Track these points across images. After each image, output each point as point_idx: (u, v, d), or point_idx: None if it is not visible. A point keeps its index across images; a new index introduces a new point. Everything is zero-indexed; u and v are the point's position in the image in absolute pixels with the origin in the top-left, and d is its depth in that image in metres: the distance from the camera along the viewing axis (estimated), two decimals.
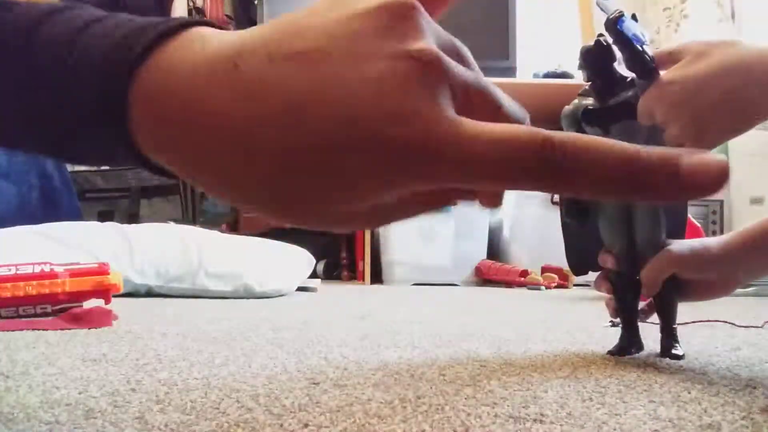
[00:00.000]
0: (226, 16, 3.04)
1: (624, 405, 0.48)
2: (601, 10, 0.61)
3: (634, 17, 0.63)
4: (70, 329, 0.90)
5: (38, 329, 0.90)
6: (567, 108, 0.70)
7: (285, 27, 0.23)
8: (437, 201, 0.27)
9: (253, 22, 2.87)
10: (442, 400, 0.49)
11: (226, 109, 0.22)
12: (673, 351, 0.68)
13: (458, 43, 0.27)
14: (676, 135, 0.60)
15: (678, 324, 0.71)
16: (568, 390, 0.53)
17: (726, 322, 1.03)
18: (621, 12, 0.60)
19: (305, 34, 0.22)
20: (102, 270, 1.07)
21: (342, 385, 0.54)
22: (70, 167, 2.53)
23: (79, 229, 1.61)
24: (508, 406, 0.47)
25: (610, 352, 0.72)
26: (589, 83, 0.67)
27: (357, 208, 0.24)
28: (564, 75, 2.62)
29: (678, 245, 0.68)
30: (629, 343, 0.71)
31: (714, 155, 0.21)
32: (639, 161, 0.21)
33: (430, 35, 0.24)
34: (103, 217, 2.35)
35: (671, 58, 0.62)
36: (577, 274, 0.76)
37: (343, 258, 2.67)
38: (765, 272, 0.71)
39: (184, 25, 0.24)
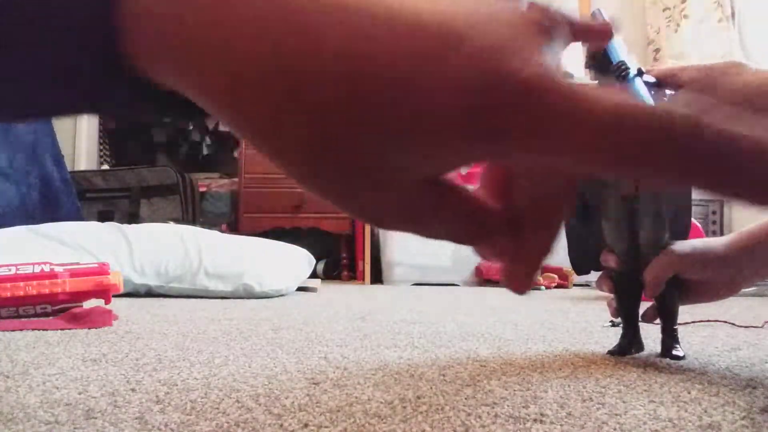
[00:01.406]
0: None
1: (624, 405, 0.48)
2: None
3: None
4: (70, 329, 0.90)
5: (38, 329, 0.90)
6: None
7: None
8: (477, 235, 0.23)
9: None
10: (442, 400, 0.49)
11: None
12: (674, 351, 0.68)
13: None
14: None
15: (678, 324, 0.71)
16: (568, 390, 0.53)
17: (726, 322, 1.03)
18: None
19: None
20: (102, 270, 1.07)
21: (342, 385, 0.54)
22: (70, 167, 2.53)
23: (79, 229, 1.61)
24: (508, 406, 0.47)
25: (610, 352, 0.72)
26: (596, 82, 0.68)
27: (426, 174, 0.20)
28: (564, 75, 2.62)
29: (680, 245, 0.68)
30: (630, 344, 0.71)
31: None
32: None
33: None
34: (103, 217, 2.36)
35: (673, 80, 0.62)
36: (579, 272, 0.76)
37: (343, 258, 2.68)
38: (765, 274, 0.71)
39: None
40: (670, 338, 0.69)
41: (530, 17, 0.19)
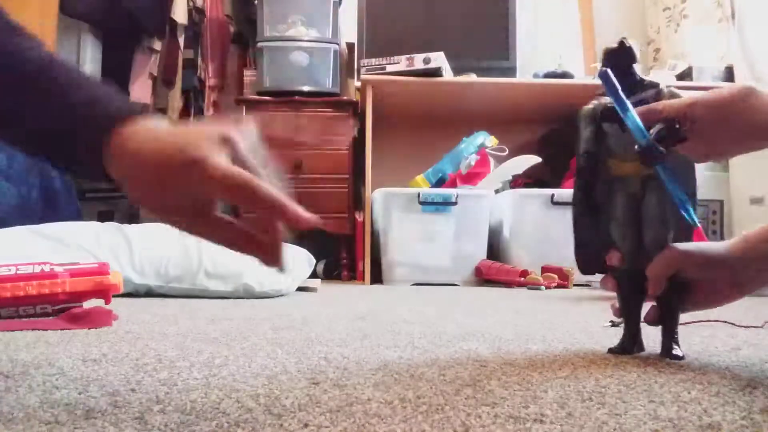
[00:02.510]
0: (226, 16, 3.04)
1: (624, 405, 0.48)
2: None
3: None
4: (70, 329, 0.90)
5: (38, 329, 0.90)
6: (586, 108, 0.72)
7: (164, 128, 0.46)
8: (229, 238, 0.47)
9: (252, 22, 2.87)
10: (442, 400, 0.49)
11: (144, 153, 0.44)
12: (674, 352, 0.68)
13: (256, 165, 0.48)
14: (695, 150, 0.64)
15: (679, 324, 0.71)
16: (568, 390, 0.53)
17: (726, 322, 1.03)
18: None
19: (170, 131, 0.45)
20: (102, 270, 1.07)
21: (342, 385, 0.54)
22: None
23: (79, 229, 1.61)
24: (508, 406, 0.47)
25: (610, 350, 0.72)
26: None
27: (180, 202, 0.44)
28: (564, 75, 2.62)
29: (683, 245, 0.68)
30: (631, 343, 0.71)
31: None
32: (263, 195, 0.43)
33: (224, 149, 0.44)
34: (103, 217, 2.35)
35: (684, 118, 0.63)
36: (584, 272, 0.76)
37: (343, 258, 2.67)
38: None
39: (134, 112, 0.46)
40: (669, 339, 0.69)
41: (216, 134, 0.43)
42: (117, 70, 3.02)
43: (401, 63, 2.46)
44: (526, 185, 2.65)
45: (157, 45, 2.97)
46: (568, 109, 2.79)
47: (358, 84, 2.76)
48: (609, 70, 0.65)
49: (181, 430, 0.40)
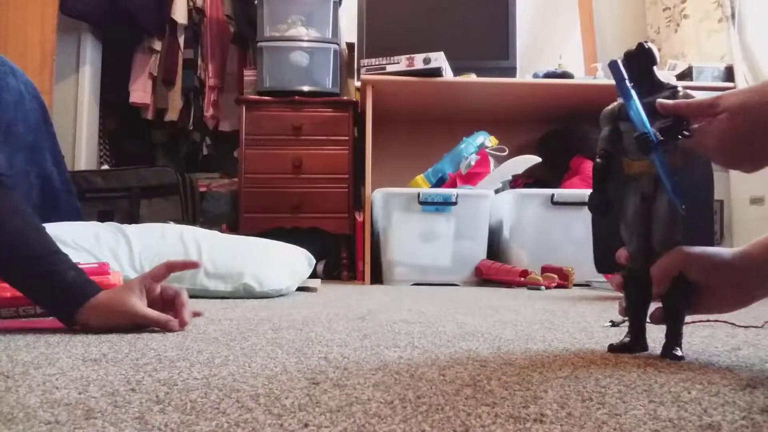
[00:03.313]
0: (226, 16, 3.04)
1: (624, 405, 0.48)
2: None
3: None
4: (70, 329, 0.90)
5: (38, 329, 0.90)
6: (606, 109, 0.74)
7: (119, 294, 0.89)
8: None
9: (252, 22, 2.87)
10: (442, 400, 0.49)
11: (101, 321, 0.86)
12: (674, 352, 0.68)
13: (175, 290, 0.94)
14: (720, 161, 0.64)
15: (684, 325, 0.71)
16: (568, 390, 0.53)
17: (726, 322, 1.03)
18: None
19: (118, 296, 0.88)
20: (102, 270, 1.07)
21: (342, 385, 0.54)
22: (70, 167, 2.53)
23: (79, 229, 1.61)
24: (508, 406, 0.47)
25: (611, 347, 0.73)
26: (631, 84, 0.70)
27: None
28: (564, 75, 2.62)
29: (691, 247, 0.68)
30: (634, 343, 0.72)
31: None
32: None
33: (144, 295, 0.90)
34: (103, 217, 2.35)
35: (710, 111, 0.62)
36: (600, 271, 0.77)
37: (343, 258, 2.68)
38: None
39: (99, 289, 0.87)
40: (672, 340, 0.69)
41: (139, 287, 0.89)
42: (117, 70, 3.03)
43: (401, 63, 2.46)
44: (526, 185, 2.65)
45: (157, 45, 2.97)
46: (568, 109, 2.79)
47: (358, 84, 2.76)
48: (619, 60, 0.67)
49: (181, 430, 0.40)
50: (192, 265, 0.95)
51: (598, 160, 0.72)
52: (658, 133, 0.64)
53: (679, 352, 0.68)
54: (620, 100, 0.72)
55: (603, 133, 0.73)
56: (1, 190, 0.87)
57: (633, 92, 0.67)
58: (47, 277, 0.85)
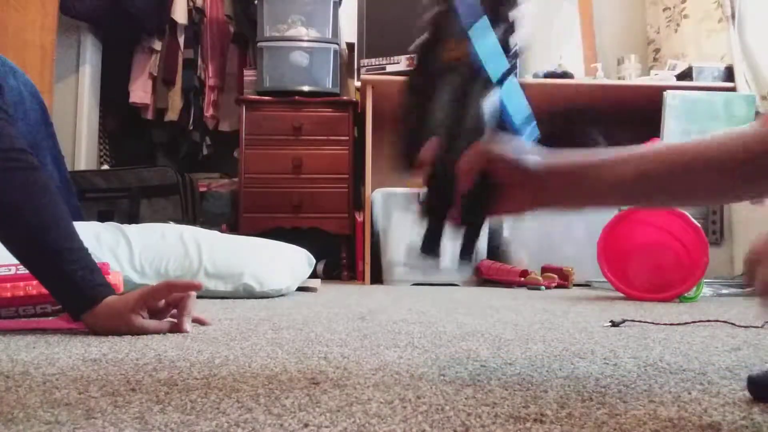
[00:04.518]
0: (226, 16, 3.04)
1: (624, 405, 0.48)
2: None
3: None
4: (70, 329, 0.90)
5: (38, 329, 0.90)
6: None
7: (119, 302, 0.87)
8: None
9: (252, 22, 2.87)
10: (442, 400, 0.49)
11: (105, 326, 0.86)
12: (468, 253, 0.62)
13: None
14: None
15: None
16: (568, 390, 0.53)
17: (726, 322, 1.03)
18: None
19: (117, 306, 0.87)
20: (102, 270, 1.06)
21: (342, 385, 0.54)
22: (70, 167, 2.53)
23: (79, 229, 1.61)
24: (508, 406, 0.47)
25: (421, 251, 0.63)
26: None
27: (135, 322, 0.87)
28: (564, 75, 2.62)
29: (499, 141, 0.61)
30: (434, 242, 0.63)
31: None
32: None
33: (144, 310, 0.88)
34: (103, 217, 2.35)
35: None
36: (398, 168, 0.66)
37: (343, 258, 2.68)
38: (569, 200, 0.62)
39: (107, 293, 0.87)
40: (471, 242, 0.62)
41: (138, 300, 0.87)
42: (117, 70, 3.03)
43: (401, 63, 2.46)
44: None
45: (157, 45, 2.97)
46: (568, 109, 2.79)
47: (358, 84, 2.76)
48: None
49: (181, 430, 0.40)
50: (194, 287, 0.92)
51: (426, 35, 0.63)
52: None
53: (469, 257, 0.62)
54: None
55: (440, 7, 0.63)
56: (31, 172, 0.84)
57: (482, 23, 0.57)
58: (52, 273, 0.85)
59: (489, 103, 0.62)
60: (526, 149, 0.61)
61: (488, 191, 0.61)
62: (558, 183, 0.60)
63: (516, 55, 0.60)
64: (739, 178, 0.54)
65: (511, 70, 0.59)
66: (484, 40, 0.57)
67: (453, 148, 0.61)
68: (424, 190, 0.63)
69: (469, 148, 0.60)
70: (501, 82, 0.59)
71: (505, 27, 0.60)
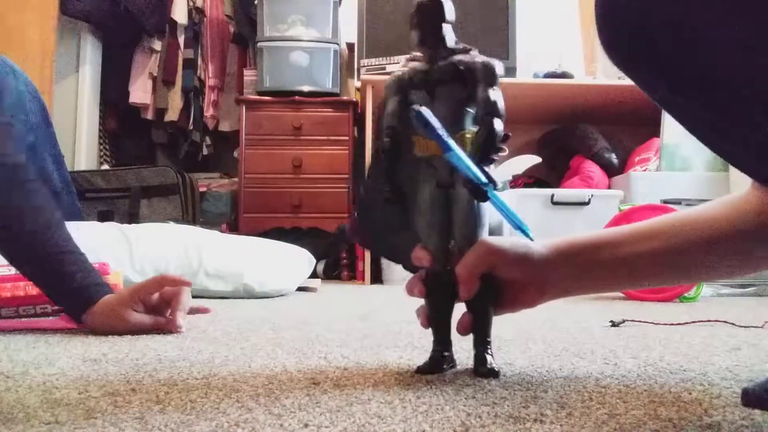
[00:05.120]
0: (226, 16, 3.04)
1: (624, 405, 0.48)
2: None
3: None
4: (70, 329, 0.90)
5: (38, 329, 0.90)
6: (392, 76, 0.62)
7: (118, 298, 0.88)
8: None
9: (252, 22, 2.87)
10: (442, 400, 0.49)
11: (103, 323, 0.87)
12: (489, 365, 0.58)
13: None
14: None
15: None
16: (568, 390, 0.53)
17: (726, 322, 1.03)
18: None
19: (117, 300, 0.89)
20: (102, 270, 1.06)
21: (342, 385, 0.54)
22: (70, 167, 2.53)
23: (79, 229, 1.61)
24: (508, 406, 0.47)
25: (419, 369, 0.60)
26: (419, 46, 0.60)
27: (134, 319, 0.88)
28: (564, 75, 2.61)
29: (494, 239, 0.60)
30: (442, 358, 0.60)
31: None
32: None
33: (139, 305, 0.90)
34: (103, 217, 2.35)
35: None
36: (411, 269, 0.65)
37: (343, 258, 2.67)
38: (581, 289, 0.64)
39: (104, 292, 0.88)
40: (483, 349, 0.60)
41: (133, 296, 0.89)
42: (117, 70, 3.03)
43: (401, 63, 2.46)
44: (526, 185, 2.65)
45: (157, 45, 2.97)
46: (568, 109, 2.79)
47: (358, 84, 2.76)
48: (422, 110, 0.53)
49: (181, 430, 0.40)
50: (184, 283, 0.93)
51: (385, 139, 0.59)
52: (490, 175, 0.55)
53: (495, 365, 0.59)
54: (409, 65, 0.61)
55: (390, 106, 0.60)
56: (26, 183, 0.89)
57: (451, 141, 0.53)
58: (52, 277, 0.87)
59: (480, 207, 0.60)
60: (526, 243, 0.60)
61: (494, 293, 0.60)
62: (567, 268, 0.61)
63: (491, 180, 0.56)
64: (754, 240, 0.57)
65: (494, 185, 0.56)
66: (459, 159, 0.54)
67: (447, 257, 0.60)
68: (423, 303, 0.62)
69: (467, 253, 0.58)
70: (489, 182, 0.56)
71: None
